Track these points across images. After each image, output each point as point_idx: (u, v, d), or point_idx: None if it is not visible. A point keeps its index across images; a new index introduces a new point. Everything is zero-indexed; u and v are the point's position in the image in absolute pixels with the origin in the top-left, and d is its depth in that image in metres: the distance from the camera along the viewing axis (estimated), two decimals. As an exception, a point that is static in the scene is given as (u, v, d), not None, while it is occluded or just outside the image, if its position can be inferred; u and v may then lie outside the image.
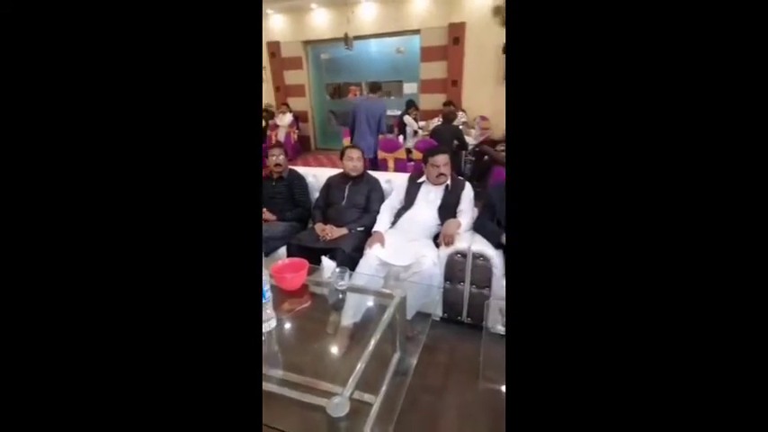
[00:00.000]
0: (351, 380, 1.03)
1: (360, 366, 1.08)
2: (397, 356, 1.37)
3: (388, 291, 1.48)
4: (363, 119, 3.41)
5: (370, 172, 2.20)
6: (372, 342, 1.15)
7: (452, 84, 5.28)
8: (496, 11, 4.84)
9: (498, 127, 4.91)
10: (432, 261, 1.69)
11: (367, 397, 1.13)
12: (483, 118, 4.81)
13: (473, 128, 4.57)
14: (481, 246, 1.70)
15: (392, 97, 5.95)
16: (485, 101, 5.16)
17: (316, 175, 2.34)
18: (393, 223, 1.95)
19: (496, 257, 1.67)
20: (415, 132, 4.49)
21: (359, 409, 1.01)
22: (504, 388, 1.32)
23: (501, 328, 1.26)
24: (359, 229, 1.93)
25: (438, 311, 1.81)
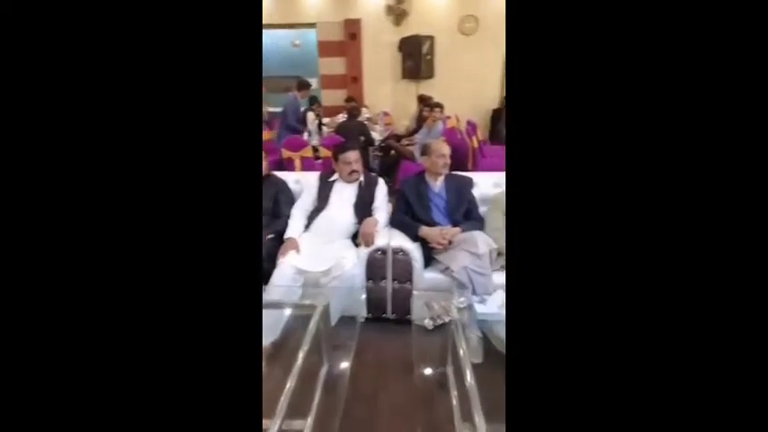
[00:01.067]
0: (279, 408, 0.90)
1: (288, 387, 0.96)
2: (325, 369, 1.29)
3: (308, 301, 1.37)
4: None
5: (276, 173, 2.03)
6: (299, 360, 1.04)
7: (353, 80, 5.26)
8: (389, 10, 4.97)
9: (400, 122, 5.09)
10: (352, 262, 1.63)
11: (296, 424, 1.02)
12: (386, 113, 4.92)
13: (377, 123, 4.63)
14: (400, 240, 1.71)
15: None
16: (385, 97, 5.27)
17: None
18: (307, 226, 1.83)
19: (415, 251, 1.69)
20: (320, 129, 4.36)
21: (289, 439, 0.90)
22: (430, 372, 1.34)
23: (428, 321, 1.27)
24: (269, 236, 1.76)
25: (363, 312, 1.76)
